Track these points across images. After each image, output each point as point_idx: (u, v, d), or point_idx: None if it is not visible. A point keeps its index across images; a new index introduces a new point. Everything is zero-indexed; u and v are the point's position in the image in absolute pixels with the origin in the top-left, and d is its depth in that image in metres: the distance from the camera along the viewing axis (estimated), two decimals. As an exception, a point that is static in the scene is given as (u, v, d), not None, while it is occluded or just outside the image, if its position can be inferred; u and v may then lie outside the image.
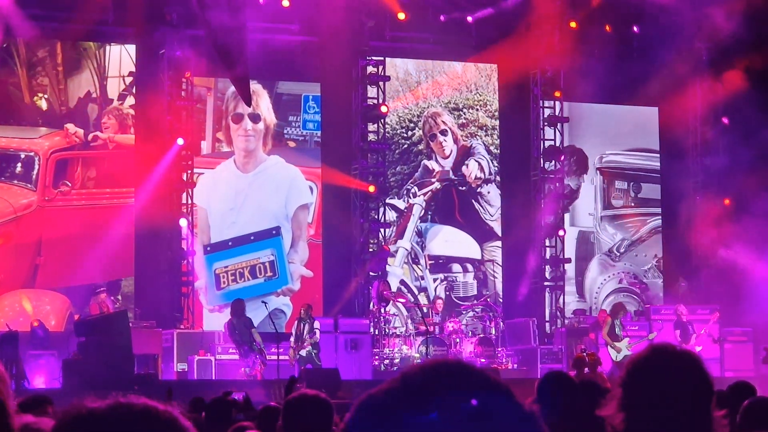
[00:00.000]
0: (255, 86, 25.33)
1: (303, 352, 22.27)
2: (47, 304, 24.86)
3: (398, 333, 24.93)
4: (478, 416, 1.76)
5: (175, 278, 25.03)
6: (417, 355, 23.92)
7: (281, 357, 21.86)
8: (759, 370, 24.49)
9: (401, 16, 26.52)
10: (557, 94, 27.91)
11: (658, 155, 29.62)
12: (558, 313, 27.57)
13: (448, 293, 26.26)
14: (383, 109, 26.63)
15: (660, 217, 29.66)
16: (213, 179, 26.27)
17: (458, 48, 27.69)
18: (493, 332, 25.13)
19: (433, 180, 28.30)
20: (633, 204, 29.55)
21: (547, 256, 27.93)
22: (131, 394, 1.98)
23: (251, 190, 26.59)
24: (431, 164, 28.34)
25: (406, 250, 27.84)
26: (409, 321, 25.76)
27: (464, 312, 26.72)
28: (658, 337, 25.35)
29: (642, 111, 29.29)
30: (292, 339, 22.47)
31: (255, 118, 26.48)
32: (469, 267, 28.41)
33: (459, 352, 24.08)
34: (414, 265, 27.96)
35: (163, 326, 23.65)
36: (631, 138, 29.59)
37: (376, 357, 24.16)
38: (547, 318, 27.58)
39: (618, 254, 29.40)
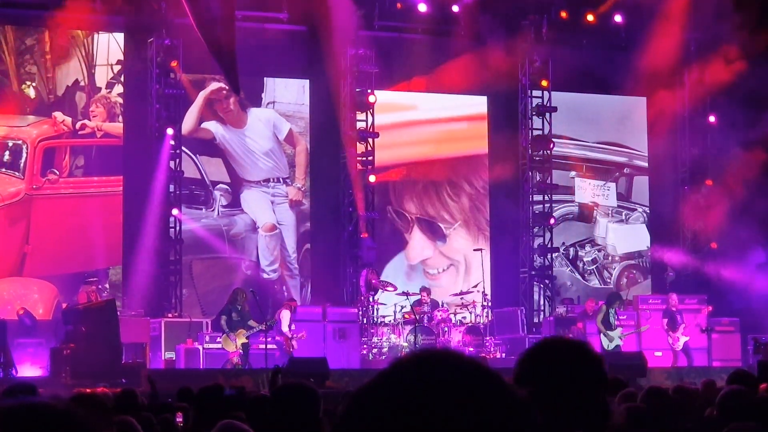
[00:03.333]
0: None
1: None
2: (35, 293, 24.83)
3: (386, 322, 24.90)
4: (470, 405, 1.76)
5: (163, 267, 25.01)
6: (405, 344, 23.92)
7: (269, 346, 21.91)
8: (746, 360, 24.55)
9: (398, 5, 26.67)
10: (544, 83, 27.93)
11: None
12: (546, 302, 27.60)
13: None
14: (371, 98, 26.60)
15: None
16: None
17: (446, 38, 27.62)
18: (482, 321, 25.15)
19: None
20: None
21: (536, 245, 27.96)
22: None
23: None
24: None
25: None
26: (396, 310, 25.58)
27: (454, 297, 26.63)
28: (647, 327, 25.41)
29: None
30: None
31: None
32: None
33: (447, 341, 24.08)
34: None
35: (151, 315, 23.64)
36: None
37: (365, 346, 24.17)
38: (536, 307, 27.60)
39: None
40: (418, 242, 28.61)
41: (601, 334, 24.15)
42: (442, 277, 28.36)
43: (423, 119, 28.88)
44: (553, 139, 28.16)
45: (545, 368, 3.22)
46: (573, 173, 29.45)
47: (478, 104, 29.03)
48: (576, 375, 3.21)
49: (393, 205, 28.48)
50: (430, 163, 28.74)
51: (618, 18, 28.19)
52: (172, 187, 25.15)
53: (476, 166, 29.06)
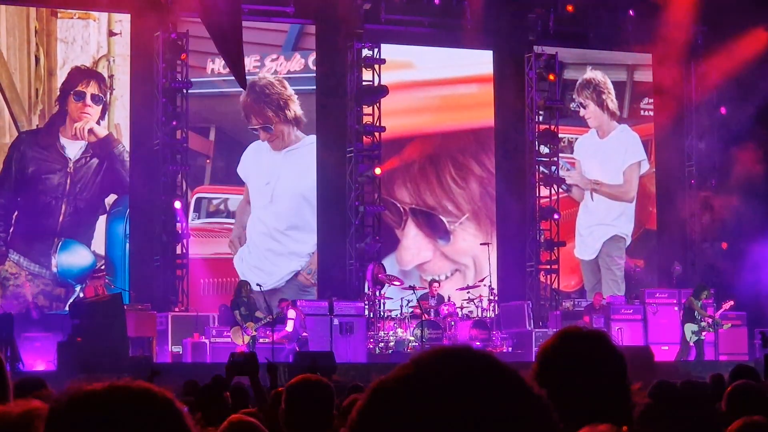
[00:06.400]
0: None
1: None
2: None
3: (393, 316, 24.86)
4: (489, 402, 1.76)
5: (169, 261, 25.03)
6: (412, 338, 23.91)
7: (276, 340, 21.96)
8: (753, 354, 24.53)
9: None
10: (551, 78, 27.90)
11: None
12: (553, 296, 27.58)
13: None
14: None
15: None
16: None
17: (453, 31, 27.57)
18: (489, 315, 25.13)
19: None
20: None
21: (542, 239, 27.93)
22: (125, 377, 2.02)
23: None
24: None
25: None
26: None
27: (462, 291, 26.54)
28: (652, 319, 25.37)
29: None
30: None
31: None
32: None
33: (454, 335, 24.06)
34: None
35: (158, 309, 23.67)
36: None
37: (371, 340, 24.16)
38: (542, 301, 27.58)
39: None
40: (412, 241, 26.82)
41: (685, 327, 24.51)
42: (445, 287, 26.03)
43: (420, 80, 27.14)
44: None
45: (566, 359, 3.23)
46: (568, 167, 29.12)
47: (485, 62, 27.65)
48: (595, 366, 3.22)
49: (381, 192, 26.35)
50: (429, 138, 27.16)
51: (627, 12, 28.21)
52: (178, 180, 25.17)
53: (487, 141, 27.67)
